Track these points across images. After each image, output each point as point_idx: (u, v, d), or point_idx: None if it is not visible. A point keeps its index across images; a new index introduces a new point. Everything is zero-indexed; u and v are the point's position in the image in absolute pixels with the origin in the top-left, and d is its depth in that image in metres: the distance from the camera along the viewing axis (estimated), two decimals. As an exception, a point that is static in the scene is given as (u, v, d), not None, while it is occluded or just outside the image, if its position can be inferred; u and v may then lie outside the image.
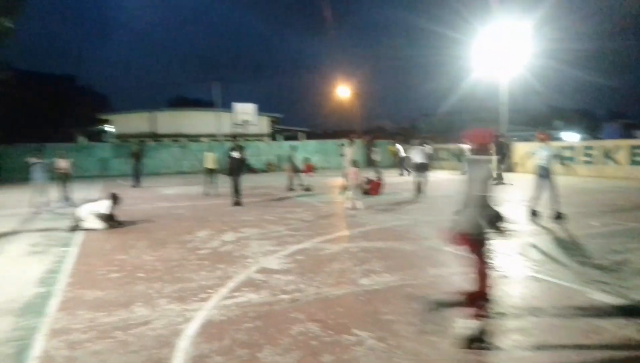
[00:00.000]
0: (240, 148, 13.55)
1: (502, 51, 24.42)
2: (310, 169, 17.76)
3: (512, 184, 17.01)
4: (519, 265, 6.30)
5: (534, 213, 10.05)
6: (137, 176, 20.48)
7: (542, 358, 3.65)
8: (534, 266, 6.23)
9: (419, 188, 14.56)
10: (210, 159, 16.56)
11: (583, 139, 35.81)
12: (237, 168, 13.29)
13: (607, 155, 20.00)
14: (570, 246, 7.45)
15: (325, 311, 4.71)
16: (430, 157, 17.43)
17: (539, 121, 50.51)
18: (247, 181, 21.82)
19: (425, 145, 16.72)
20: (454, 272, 6.00)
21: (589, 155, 20.87)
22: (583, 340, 3.91)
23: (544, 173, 9.94)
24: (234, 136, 34.55)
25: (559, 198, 9.81)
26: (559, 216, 9.71)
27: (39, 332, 4.30)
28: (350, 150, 15.37)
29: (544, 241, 7.93)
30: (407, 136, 38.75)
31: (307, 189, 16.88)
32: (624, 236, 7.98)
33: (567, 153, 21.85)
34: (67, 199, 14.34)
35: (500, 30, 24.37)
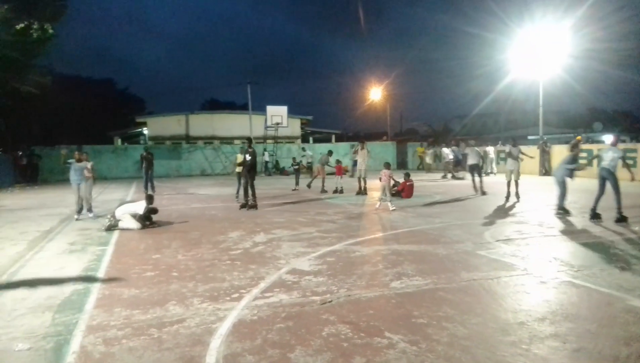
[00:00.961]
0: (251, 150, 13.08)
1: (540, 52, 23.87)
2: (341, 170, 17.69)
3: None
4: (556, 270, 6.12)
5: (596, 216, 9.99)
6: (147, 181, 18.39)
7: (581, 366, 3.53)
8: (572, 271, 6.05)
9: (476, 188, 15.71)
10: (239, 163, 15.57)
11: (623, 141, 34.62)
12: (249, 170, 12.96)
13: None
14: (610, 251, 7.20)
15: (356, 313, 4.69)
16: (481, 158, 17.38)
17: (578, 123, 49.12)
18: (278, 182, 21.99)
19: (458, 146, 16.78)
20: (487, 276, 5.89)
21: (631, 158, 20.14)
22: (621, 347, 3.76)
23: (608, 176, 9.80)
24: (266, 139, 34.97)
25: (621, 201, 9.63)
26: (621, 219, 9.59)
27: (76, 328, 4.42)
28: (363, 152, 15.78)
29: (582, 245, 7.70)
30: (439, 138, 38.31)
31: (339, 191, 16.85)
32: (668, 242, 7.66)
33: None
34: (86, 207, 12.12)
35: (538, 30, 23.83)
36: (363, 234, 9.03)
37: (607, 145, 10.26)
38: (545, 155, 23.66)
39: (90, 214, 11.87)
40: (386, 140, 40.48)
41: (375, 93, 42.69)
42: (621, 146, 19.39)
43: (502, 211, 11.57)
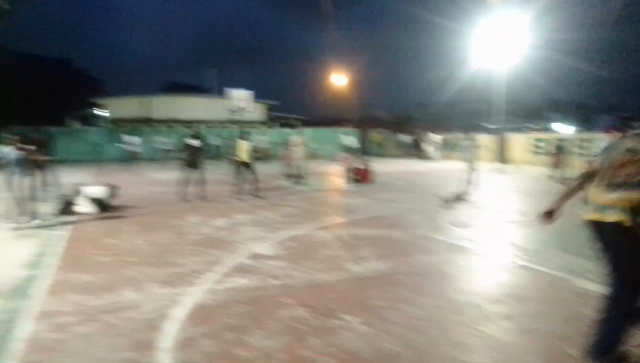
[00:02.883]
0: (199, 136, 11.86)
1: (500, 42, 24.35)
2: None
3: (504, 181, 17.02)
4: (510, 254, 6.32)
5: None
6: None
7: (528, 343, 3.67)
8: (525, 255, 6.26)
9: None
10: (244, 150, 12.16)
11: (577, 131, 35.91)
12: (196, 158, 11.46)
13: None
14: (560, 236, 7.48)
15: (315, 297, 4.72)
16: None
17: (535, 113, 50.60)
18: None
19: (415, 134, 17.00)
20: (443, 260, 6.03)
21: (585, 148, 20.92)
22: (566, 326, 3.94)
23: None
24: (230, 123, 34.49)
25: None
26: None
27: (27, 315, 4.28)
28: (300, 139, 15.53)
29: (536, 231, 7.97)
30: (401, 125, 38.80)
31: (300, 176, 16.83)
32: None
33: (563, 145, 21.93)
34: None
35: (498, 21, 24.28)
36: (324, 219, 9.08)
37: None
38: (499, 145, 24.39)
39: (35, 221, 8.74)
40: (350, 126, 40.66)
41: (340, 79, 42.71)
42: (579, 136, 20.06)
43: (460, 198, 11.83)
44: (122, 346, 3.62)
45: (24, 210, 8.64)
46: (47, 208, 9.59)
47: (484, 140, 19.98)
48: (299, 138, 15.47)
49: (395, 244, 6.98)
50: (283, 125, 41.61)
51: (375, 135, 35.42)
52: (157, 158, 28.98)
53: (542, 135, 24.89)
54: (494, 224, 8.50)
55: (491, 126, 27.68)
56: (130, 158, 23.17)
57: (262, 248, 6.70)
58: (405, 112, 54.58)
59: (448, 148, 28.41)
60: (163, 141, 27.93)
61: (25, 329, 3.95)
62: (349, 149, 13.45)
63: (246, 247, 6.77)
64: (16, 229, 8.18)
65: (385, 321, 4.08)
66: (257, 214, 9.48)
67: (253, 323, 4.06)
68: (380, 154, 33.42)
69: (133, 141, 23.26)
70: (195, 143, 11.46)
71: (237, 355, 3.47)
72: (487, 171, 17.11)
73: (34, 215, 8.82)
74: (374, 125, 40.62)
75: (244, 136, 12.30)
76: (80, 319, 4.15)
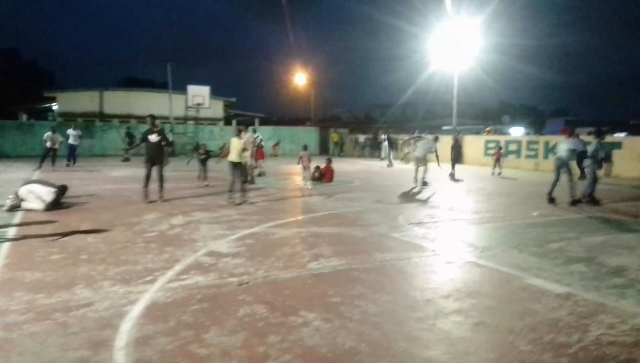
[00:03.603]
0: (157, 129, 10.82)
1: (455, 46, 25.01)
2: (261, 155, 17.57)
3: (462, 180, 17.53)
4: (462, 251, 6.53)
5: (552, 200, 11.00)
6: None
7: (479, 337, 3.82)
8: (477, 252, 6.48)
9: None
10: (235, 149, 10.79)
11: (527, 134, 37.31)
12: (157, 154, 10.53)
13: (550, 150, 20.96)
14: (511, 235, 7.79)
15: (273, 293, 4.74)
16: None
17: (489, 116, 52.22)
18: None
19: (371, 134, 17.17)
20: (399, 257, 6.17)
21: (533, 149, 21.79)
22: (516, 321, 4.11)
23: (562, 165, 10.82)
24: (186, 119, 33.93)
25: (577, 186, 10.81)
26: (578, 202, 10.71)
27: (-29, 314, 4.11)
28: (246, 138, 14.93)
29: (489, 229, 8.26)
30: (360, 125, 39.25)
31: (260, 175, 16.77)
32: (561, 226, 8.41)
33: (513, 147, 22.77)
34: None
35: (454, 25, 24.94)
36: (283, 217, 9.09)
37: (562, 137, 11.48)
38: (457, 147, 25.10)
39: None
40: (310, 125, 40.76)
41: (300, 78, 42.76)
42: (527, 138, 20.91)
43: (416, 197, 12.10)
44: (75, 345, 3.52)
45: None
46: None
47: (438, 141, 20.51)
48: (249, 136, 14.80)
49: (353, 241, 7.07)
50: (240, 123, 41.26)
51: (334, 134, 35.74)
52: (112, 153, 28.19)
53: (494, 137, 25.74)
54: (448, 222, 8.75)
55: (446, 127, 28.41)
56: (71, 153, 21.70)
57: (220, 246, 6.65)
58: (365, 113, 55.20)
59: (399, 148, 28.98)
60: (122, 136, 26.79)
61: (-31, 329, 3.79)
62: (305, 146, 13.45)
63: (203, 245, 6.70)
64: None
65: (342, 317, 4.14)
66: (215, 212, 9.39)
67: (210, 320, 4.03)
68: (339, 154, 33.73)
69: (75, 135, 21.80)
70: (153, 138, 10.55)
71: (193, 353, 3.45)
72: (441, 171, 17.56)
73: None
74: (333, 124, 40.86)
75: (238, 133, 11.27)
76: (30, 318, 4.01)
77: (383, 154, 27.25)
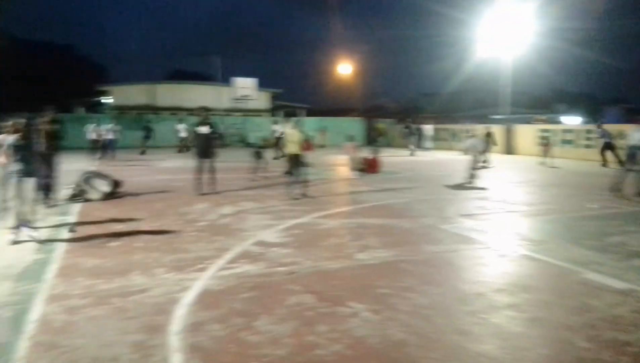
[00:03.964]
0: (209, 123, 10.62)
1: (506, 31, 24.16)
2: (309, 146, 17.56)
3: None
4: (515, 244, 6.33)
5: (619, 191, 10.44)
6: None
7: (534, 333, 3.70)
8: (531, 245, 6.27)
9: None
10: (295, 141, 10.31)
11: (584, 123, 35.69)
12: (208, 146, 10.40)
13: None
14: (567, 228, 7.49)
15: (321, 284, 4.76)
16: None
17: (542, 104, 50.30)
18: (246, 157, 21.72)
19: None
20: (449, 249, 6.05)
21: (589, 139, 20.82)
22: (574, 317, 3.95)
23: (637, 153, 10.38)
24: (233, 111, 34.48)
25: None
26: None
27: (37, 297, 4.34)
28: (284, 127, 14.54)
29: (542, 222, 7.98)
30: (407, 115, 38.73)
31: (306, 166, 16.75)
32: (621, 219, 8.02)
33: (567, 137, 21.89)
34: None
35: (505, 9, 24.07)
36: (329, 207, 9.11)
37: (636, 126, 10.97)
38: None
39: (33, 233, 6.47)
40: (354, 116, 40.56)
41: (345, 68, 42.55)
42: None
43: (467, 188, 11.83)
44: (132, 329, 3.66)
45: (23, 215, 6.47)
46: (57, 194, 9.65)
47: (491, 131, 19.93)
48: (280, 126, 14.57)
49: (401, 233, 7.00)
50: (287, 114, 41.53)
51: (380, 124, 35.35)
52: (163, 145, 29.03)
53: (548, 126, 24.77)
54: (500, 214, 8.51)
55: (497, 117, 27.58)
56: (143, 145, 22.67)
57: (268, 236, 6.73)
58: (411, 102, 54.30)
59: (445, 139, 28.43)
60: (178, 128, 27.28)
61: (36, 311, 4.01)
62: (351, 136, 13.39)
63: (252, 234, 6.81)
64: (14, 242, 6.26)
65: (391, 308, 4.11)
66: (263, 202, 9.51)
67: (260, 308, 4.10)
68: (385, 144, 33.38)
69: (114, 130, 22.47)
70: (204, 130, 10.45)
71: (244, 340, 3.51)
72: (492, 161, 17.07)
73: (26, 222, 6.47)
74: (379, 114, 40.48)
75: (296, 124, 10.89)
76: (90, 302, 4.21)
77: (427, 144, 27.04)
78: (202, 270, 5.16)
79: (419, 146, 25.17)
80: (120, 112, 34.18)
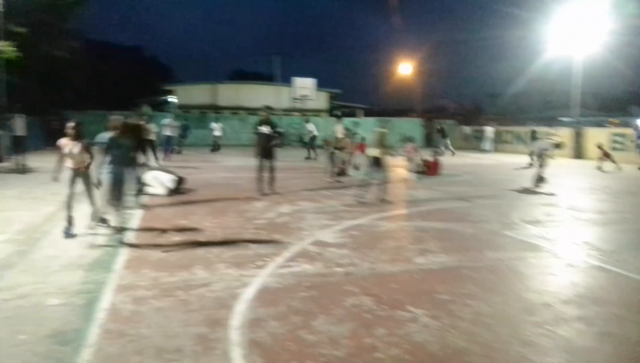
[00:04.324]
0: (270, 122, 10.43)
1: (577, 29, 22.96)
2: (363, 148, 17.39)
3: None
4: (584, 254, 6.01)
5: None
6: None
7: (606, 348, 3.49)
8: (602, 255, 5.92)
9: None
10: (380, 143, 9.61)
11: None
12: (269, 146, 10.28)
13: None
14: (639, 238, 7.03)
15: (379, 286, 4.71)
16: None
17: (615, 106, 47.51)
18: (303, 156, 21.94)
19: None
20: (513, 257, 5.82)
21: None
22: (652, 334, 3.69)
23: None
24: (292, 111, 34.88)
25: None
26: None
27: (106, 287, 4.56)
28: (340, 127, 14.18)
29: (612, 231, 7.53)
30: (469, 116, 37.73)
31: (357, 168, 16.46)
32: None
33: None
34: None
35: (577, 6, 22.88)
36: (388, 209, 9.00)
37: None
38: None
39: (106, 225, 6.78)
40: (414, 116, 39.97)
41: (405, 68, 42.01)
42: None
43: (531, 193, 11.35)
44: (195, 321, 3.77)
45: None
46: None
47: (559, 134, 19.07)
48: (339, 126, 14.26)
49: (463, 238, 6.81)
50: (345, 114, 41.52)
51: (441, 126, 34.59)
52: (224, 143, 29.79)
53: (623, 130, 23.34)
54: (569, 222, 8.10)
55: (566, 119, 26.34)
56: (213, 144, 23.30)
57: (326, 236, 6.74)
58: (474, 103, 52.76)
59: (508, 141, 27.46)
60: (213, 126, 27.61)
61: (106, 300, 4.21)
62: (409, 138, 13.13)
63: (310, 234, 6.84)
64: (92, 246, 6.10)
65: (451, 315, 4.00)
66: (321, 203, 9.55)
67: (318, 308, 4.10)
68: (445, 146, 32.65)
69: (215, 127, 23.14)
70: (265, 129, 10.32)
71: (303, 338, 3.53)
72: (560, 166, 16.30)
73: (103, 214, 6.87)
74: (440, 116, 39.63)
75: (383, 124, 10.15)
76: (155, 293, 4.37)
77: (487, 147, 26.38)
78: (261, 267, 5.23)
79: (449, 148, 25.24)
80: (184, 110, 35.43)
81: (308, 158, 21.07)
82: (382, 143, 9.49)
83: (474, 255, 5.87)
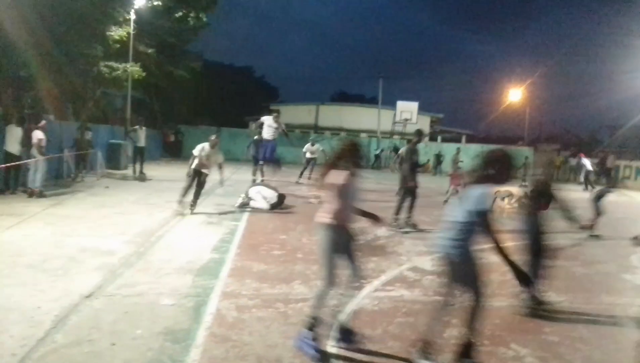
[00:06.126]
0: (416, 148, 9.56)
1: None
2: (456, 179, 15.84)
3: None
4: None
5: None
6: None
7: None
8: None
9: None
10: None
11: None
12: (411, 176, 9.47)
13: None
14: None
15: (480, 320, 4.51)
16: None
17: None
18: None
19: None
20: (631, 303, 5.31)
21: None
22: None
23: None
24: (392, 134, 34.80)
25: None
26: None
27: (212, 292, 4.83)
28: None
29: None
30: (583, 147, 35.18)
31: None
32: None
33: None
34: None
35: None
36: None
37: None
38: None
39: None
40: (522, 145, 38.07)
41: (514, 95, 40.30)
42: None
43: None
44: (293, 334, 3.87)
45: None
46: (229, 199, 10.66)
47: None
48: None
49: (574, 278, 6.34)
50: (447, 139, 40.59)
51: (557, 157, 32.46)
52: (321, 162, 30.40)
53: None
54: None
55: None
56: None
57: (424, 262, 6.61)
58: (590, 133, 49.14)
59: (626, 176, 25.12)
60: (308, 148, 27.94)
61: (212, 305, 4.46)
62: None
63: (407, 259, 6.75)
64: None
65: (560, 358, 3.74)
66: (418, 228, 9.38)
67: (416, 335, 4.02)
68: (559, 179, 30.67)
69: (309, 149, 23.43)
70: (415, 158, 9.39)
71: (399, 365, 3.48)
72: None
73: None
74: (551, 146, 37.27)
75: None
76: (257, 303, 4.56)
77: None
78: (357, 288, 5.22)
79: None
80: (288, 129, 36.76)
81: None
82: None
83: (586, 297, 5.44)
